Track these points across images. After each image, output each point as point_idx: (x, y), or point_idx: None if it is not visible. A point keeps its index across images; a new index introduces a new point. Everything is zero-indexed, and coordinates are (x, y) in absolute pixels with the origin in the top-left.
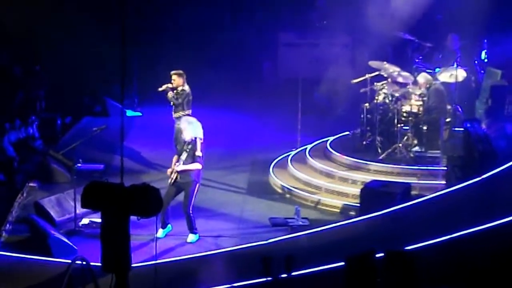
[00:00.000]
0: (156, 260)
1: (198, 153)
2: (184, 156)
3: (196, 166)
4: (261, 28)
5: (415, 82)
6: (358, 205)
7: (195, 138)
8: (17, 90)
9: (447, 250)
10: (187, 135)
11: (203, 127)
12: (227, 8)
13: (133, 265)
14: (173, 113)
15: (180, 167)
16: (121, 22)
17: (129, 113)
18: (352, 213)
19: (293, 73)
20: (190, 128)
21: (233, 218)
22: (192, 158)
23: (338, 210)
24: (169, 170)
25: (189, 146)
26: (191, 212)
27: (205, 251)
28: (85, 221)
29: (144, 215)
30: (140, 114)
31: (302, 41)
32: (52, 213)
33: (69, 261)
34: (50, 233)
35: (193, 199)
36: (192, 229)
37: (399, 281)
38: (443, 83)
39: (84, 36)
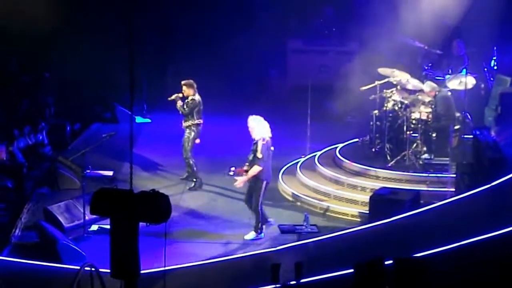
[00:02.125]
0: (165, 266)
1: (259, 154)
2: (250, 156)
3: (254, 169)
4: (269, 35)
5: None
6: (367, 212)
7: (259, 138)
8: (25, 97)
9: (456, 257)
10: (255, 135)
11: (211, 134)
12: (235, 15)
13: (142, 271)
14: (183, 122)
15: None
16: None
17: (138, 119)
18: (361, 220)
19: (302, 80)
20: (258, 127)
21: (242, 225)
22: (255, 159)
23: (347, 217)
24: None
25: (254, 147)
26: (258, 209)
27: (214, 258)
28: (94, 227)
29: (153, 222)
30: (149, 120)
31: (310, 48)
32: (61, 219)
33: (78, 267)
34: (59, 239)
35: (261, 197)
36: (256, 228)
37: None
38: (453, 90)
39: (93, 43)
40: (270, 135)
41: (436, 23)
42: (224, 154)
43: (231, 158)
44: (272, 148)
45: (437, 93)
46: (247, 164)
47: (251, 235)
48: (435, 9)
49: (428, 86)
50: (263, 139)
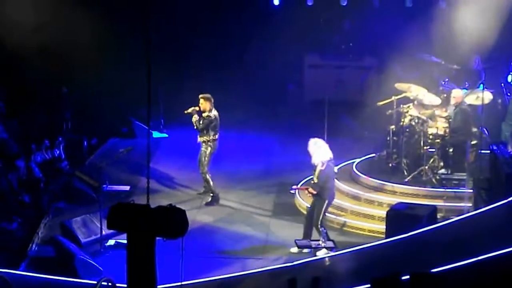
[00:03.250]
0: (182, 281)
1: (315, 179)
2: (314, 177)
3: (311, 191)
4: (286, 50)
5: (442, 104)
6: (384, 227)
7: (318, 163)
8: (43, 112)
9: (473, 272)
10: (314, 160)
11: (228, 149)
12: (253, 30)
13: (159, 286)
14: (198, 137)
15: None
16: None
17: (155, 134)
18: (378, 235)
19: (319, 95)
20: (316, 152)
21: (259, 240)
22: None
23: (364, 232)
24: None
25: (313, 171)
26: (318, 227)
27: (231, 273)
28: (111, 242)
29: (170, 237)
30: (166, 135)
31: (327, 62)
32: (78, 234)
33: (95, 282)
34: (76, 254)
35: (321, 215)
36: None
37: None
38: (470, 106)
39: (111, 58)
40: (330, 156)
41: (453, 38)
42: (242, 169)
43: (248, 173)
44: (335, 168)
45: (457, 105)
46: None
47: (322, 252)
48: (453, 24)
49: (456, 92)
50: (322, 164)
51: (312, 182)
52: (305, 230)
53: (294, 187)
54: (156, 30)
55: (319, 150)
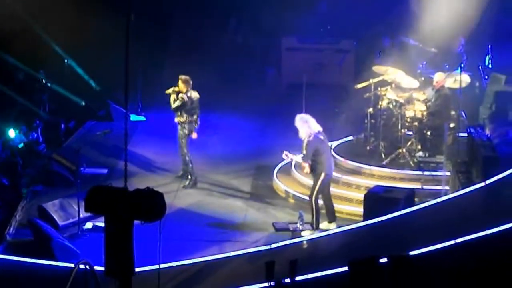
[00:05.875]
0: (159, 264)
1: (303, 151)
2: (303, 150)
3: (303, 165)
4: (264, 33)
5: (420, 87)
6: (362, 210)
7: (305, 137)
8: (20, 94)
9: (451, 255)
10: (301, 135)
11: (206, 131)
12: (231, 13)
13: (136, 269)
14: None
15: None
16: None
17: (133, 117)
18: (356, 218)
19: (297, 78)
20: (302, 127)
21: (236, 223)
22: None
23: (342, 215)
24: None
25: (303, 144)
26: (313, 201)
27: (209, 256)
28: (88, 225)
29: (148, 220)
30: (144, 118)
31: (305, 46)
32: (55, 217)
33: (73, 265)
34: (54, 237)
35: (316, 189)
36: (312, 222)
37: (403, 286)
38: (449, 88)
39: (88, 40)
40: (318, 129)
41: (432, 21)
42: (220, 152)
43: (226, 155)
44: (323, 139)
45: (440, 88)
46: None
47: (307, 232)
48: (431, 7)
49: (438, 76)
50: (309, 135)
51: (302, 155)
52: (312, 213)
53: (285, 152)
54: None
55: (306, 124)
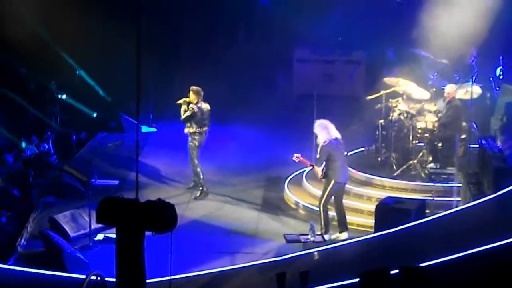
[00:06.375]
0: (171, 276)
1: (317, 155)
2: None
3: (315, 169)
4: (276, 44)
5: (431, 99)
6: (373, 221)
7: (321, 143)
8: (32, 106)
9: (462, 267)
10: (318, 141)
11: (217, 142)
12: (242, 23)
13: (148, 280)
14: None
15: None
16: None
17: (144, 129)
18: (367, 229)
19: (308, 89)
20: (320, 133)
21: (247, 234)
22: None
23: (353, 227)
24: None
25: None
26: (321, 207)
27: (220, 267)
28: (99, 236)
29: (159, 231)
30: (155, 130)
31: (316, 57)
32: (67, 228)
33: (84, 276)
34: (65, 248)
35: (326, 196)
36: (322, 228)
37: None
38: (460, 100)
39: (99, 52)
40: (336, 136)
41: (444, 33)
42: (231, 163)
43: (237, 166)
44: (339, 146)
45: (451, 99)
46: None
47: (318, 237)
48: (443, 18)
49: (449, 88)
50: (324, 141)
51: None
52: (320, 219)
53: (297, 155)
54: (146, 24)
55: (325, 130)
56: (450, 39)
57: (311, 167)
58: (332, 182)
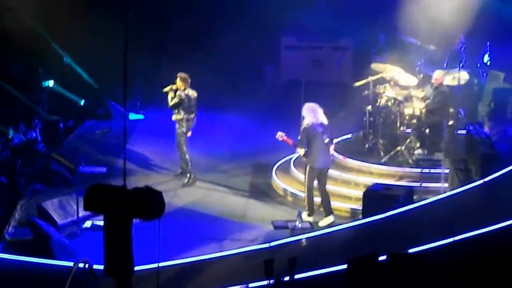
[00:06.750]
0: (158, 263)
1: (299, 136)
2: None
3: (297, 150)
4: (262, 31)
5: (419, 85)
6: (361, 208)
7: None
8: (19, 93)
9: (449, 252)
10: (304, 122)
11: (205, 129)
12: (230, 11)
13: (135, 268)
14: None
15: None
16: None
17: (132, 116)
18: (355, 216)
19: (295, 76)
20: (307, 116)
21: (235, 221)
22: None
23: (341, 213)
24: None
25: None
26: (305, 191)
27: (208, 254)
28: (87, 224)
29: (146, 218)
30: (142, 117)
31: (303, 44)
32: (54, 216)
33: (72, 264)
34: (53, 236)
35: (306, 181)
36: (307, 211)
37: (402, 284)
38: (447, 86)
39: (87, 39)
40: (322, 121)
41: (430, 18)
42: (218, 150)
43: (225, 153)
44: (320, 131)
45: (439, 85)
46: None
47: (306, 217)
48: (431, 5)
49: (437, 73)
50: (307, 124)
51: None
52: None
53: (280, 133)
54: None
55: (312, 114)
56: (438, 25)
57: (294, 147)
58: (308, 167)
